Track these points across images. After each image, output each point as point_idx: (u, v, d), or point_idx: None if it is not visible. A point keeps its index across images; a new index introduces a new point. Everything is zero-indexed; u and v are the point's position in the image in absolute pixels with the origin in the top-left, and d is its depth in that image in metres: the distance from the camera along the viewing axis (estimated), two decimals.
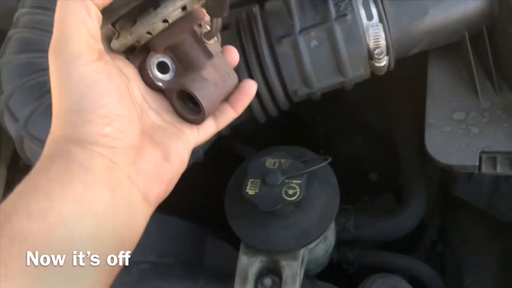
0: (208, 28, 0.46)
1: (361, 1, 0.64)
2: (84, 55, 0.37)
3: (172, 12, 0.41)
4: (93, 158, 0.37)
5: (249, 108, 0.71)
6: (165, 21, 0.41)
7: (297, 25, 0.65)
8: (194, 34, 0.45)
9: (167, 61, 0.46)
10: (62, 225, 0.34)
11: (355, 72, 0.67)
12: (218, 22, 0.44)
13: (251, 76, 0.67)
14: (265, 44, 0.66)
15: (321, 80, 0.68)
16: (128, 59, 0.45)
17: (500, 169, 0.64)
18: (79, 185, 0.35)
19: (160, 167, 0.42)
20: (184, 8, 0.41)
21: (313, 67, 0.66)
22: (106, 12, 0.39)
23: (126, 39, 0.42)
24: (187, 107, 0.46)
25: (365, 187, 1.21)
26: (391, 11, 0.64)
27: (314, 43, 0.65)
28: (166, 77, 0.46)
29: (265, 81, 0.68)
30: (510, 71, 0.66)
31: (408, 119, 0.91)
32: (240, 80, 0.49)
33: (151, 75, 0.45)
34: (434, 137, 0.67)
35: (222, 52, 0.48)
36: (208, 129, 0.48)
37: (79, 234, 0.34)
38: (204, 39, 0.45)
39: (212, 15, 0.44)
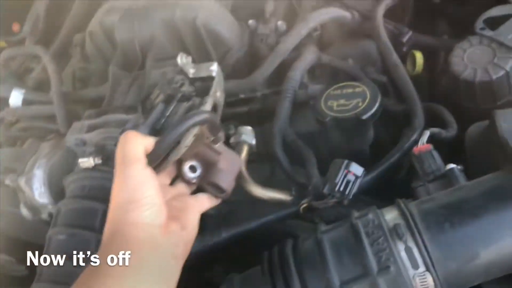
0: (212, 138, 0.68)
1: (403, 247, 0.59)
2: (138, 164, 0.59)
3: (188, 142, 0.63)
4: (139, 230, 0.56)
5: None
6: (186, 146, 0.63)
7: (336, 280, 0.59)
8: (205, 144, 0.67)
9: (195, 163, 0.68)
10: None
11: None
12: (218, 134, 0.67)
13: None
14: None
15: None
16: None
17: None
18: (132, 246, 0.55)
19: (180, 235, 0.61)
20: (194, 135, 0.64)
21: None
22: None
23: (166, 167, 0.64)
24: (215, 189, 0.68)
25: None
26: (437, 257, 0.58)
27: None
28: (196, 175, 0.68)
29: None
30: None
31: None
32: None
33: (186, 177, 0.68)
34: None
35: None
36: (207, 201, 0.68)
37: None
38: (212, 145, 0.68)
39: (212, 134, 0.67)
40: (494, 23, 0.84)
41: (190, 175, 0.68)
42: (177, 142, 0.63)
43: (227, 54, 0.95)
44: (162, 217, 0.59)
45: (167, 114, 0.72)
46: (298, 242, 0.66)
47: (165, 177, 0.67)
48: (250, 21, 1.04)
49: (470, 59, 0.80)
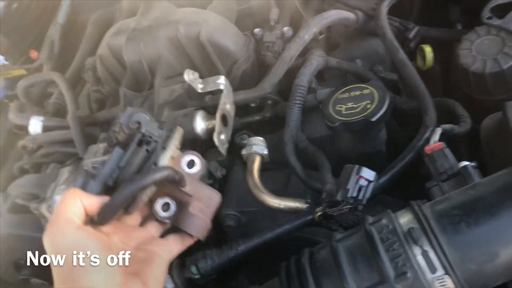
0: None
1: (419, 252, 0.58)
2: (68, 227, 0.55)
3: (148, 193, 0.63)
4: None
5: None
6: (147, 196, 0.63)
7: None
8: (173, 188, 0.65)
9: (169, 201, 0.66)
10: None
11: None
12: (182, 183, 0.64)
13: None
14: None
15: None
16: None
17: None
18: None
19: None
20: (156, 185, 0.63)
21: None
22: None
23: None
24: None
25: None
26: (456, 259, 0.57)
27: None
28: (169, 214, 0.65)
29: None
30: None
31: None
32: None
33: (157, 216, 0.65)
34: None
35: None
36: (178, 244, 0.65)
37: None
38: (180, 188, 0.65)
39: (174, 185, 0.64)
40: (502, 11, 0.82)
41: (162, 214, 0.65)
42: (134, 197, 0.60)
43: (234, 66, 0.95)
44: (117, 278, 0.55)
45: (123, 164, 0.64)
46: (314, 252, 0.66)
47: (135, 217, 0.64)
48: (256, 30, 1.04)
49: (478, 50, 0.78)
